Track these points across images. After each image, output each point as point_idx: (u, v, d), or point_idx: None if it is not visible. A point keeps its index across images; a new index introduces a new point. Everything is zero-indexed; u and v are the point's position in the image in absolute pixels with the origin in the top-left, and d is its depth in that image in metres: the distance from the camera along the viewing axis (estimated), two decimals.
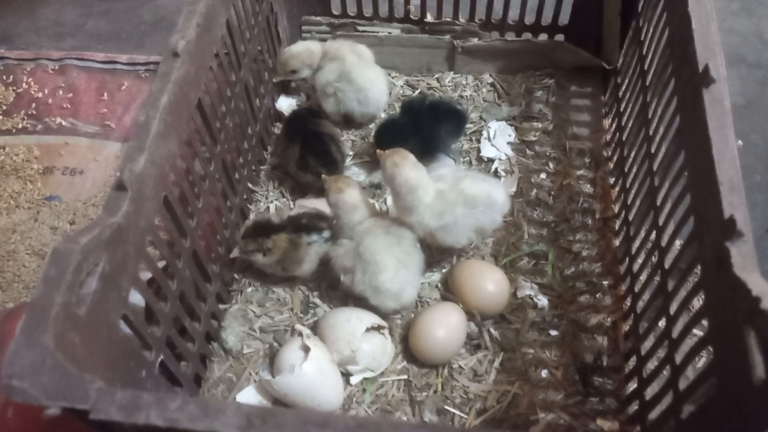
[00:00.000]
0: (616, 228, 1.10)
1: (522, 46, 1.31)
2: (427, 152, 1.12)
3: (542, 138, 1.23)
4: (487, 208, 0.98)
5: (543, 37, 1.32)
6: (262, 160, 1.23)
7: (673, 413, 0.73)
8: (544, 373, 0.96)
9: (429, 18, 1.33)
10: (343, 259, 0.97)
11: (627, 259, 1.02)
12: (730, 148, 0.69)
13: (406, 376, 0.96)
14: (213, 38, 0.93)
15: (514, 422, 0.91)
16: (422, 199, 0.97)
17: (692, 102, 0.77)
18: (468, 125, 1.25)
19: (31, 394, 0.51)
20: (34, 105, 1.40)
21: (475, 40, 1.31)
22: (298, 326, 0.96)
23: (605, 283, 1.04)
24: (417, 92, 1.32)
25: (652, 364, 0.85)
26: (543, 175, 1.18)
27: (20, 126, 1.37)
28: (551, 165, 1.19)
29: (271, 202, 1.18)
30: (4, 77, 1.44)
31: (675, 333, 0.77)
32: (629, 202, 1.03)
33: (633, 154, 1.04)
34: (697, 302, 0.90)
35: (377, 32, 1.35)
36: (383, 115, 1.27)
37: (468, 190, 0.97)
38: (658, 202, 0.88)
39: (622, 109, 1.15)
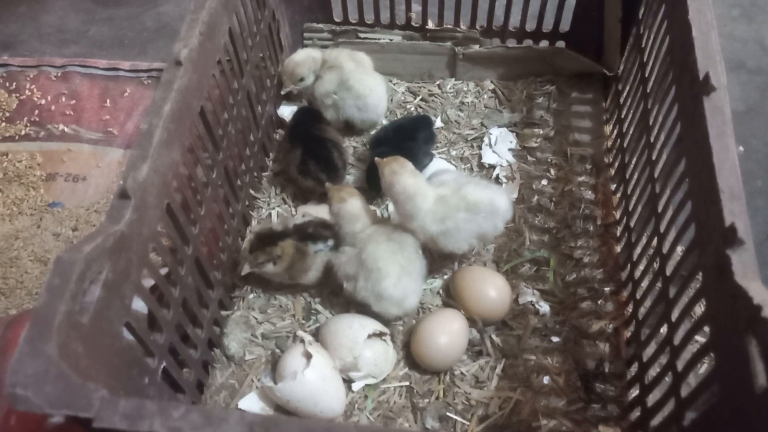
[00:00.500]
0: (618, 234, 1.10)
1: (523, 53, 1.31)
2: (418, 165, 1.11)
3: (543, 144, 1.24)
4: (490, 214, 0.98)
5: (544, 43, 1.33)
6: (264, 167, 1.23)
7: (675, 420, 0.73)
8: (546, 379, 0.96)
9: (430, 25, 1.34)
10: (345, 266, 0.97)
11: (628, 266, 1.02)
12: (731, 157, 0.69)
13: (408, 383, 0.96)
14: (216, 46, 0.93)
15: (516, 429, 0.91)
16: (421, 206, 0.97)
17: (693, 110, 0.77)
18: (469, 131, 1.26)
19: (34, 403, 0.51)
20: (37, 112, 1.41)
21: (476, 47, 1.32)
22: (300, 333, 0.96)
23: (607, 289, 1.04)
24: (418, 99, 1.32)
25: (653, 371, 0.85)
26: (544, 182, 1.18)
27: (23, 132, 1.37)
28: (552, 171, 1.20)
29: (273, 208, 1.18)
30: (7, 84, 1.45)
31: (677, 340, 0.77)
32: (630, 208, 1.03)
33: (634, 160, 1.04)
34: (699, 309, 0.90)
35: (379, 39, 1.35)
36: (384, 121, 1.28)
37: (470, 196, 0.97)
38: (660, 209, 0.89)
39: (623, 116, 1.15)
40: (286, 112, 1.30)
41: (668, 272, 0.83)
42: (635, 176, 1.03)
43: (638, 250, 0.98)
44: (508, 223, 1.08)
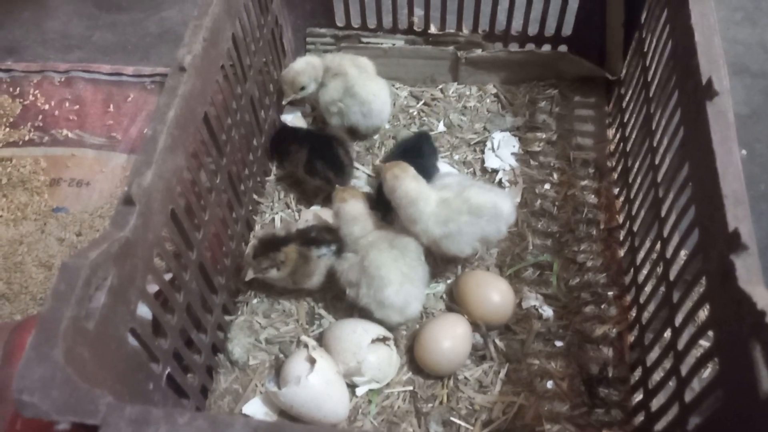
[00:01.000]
0: (621, 238, 1.10)
1: (525, 57, 1.32)
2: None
3: (546, 148, 1.24)
4: (493, 218, 0.98)
5: (546, 48, 1.33)
6: (267, 171, 1.23)
7: (679, 425, 0.73)
8: (549, 384, 0.96)
9: (432, 29, 1.34)
10: (348, 273, 0.97)
11: (632, 270, 1.02)
12: (735, 161, 0.69)
13: (411, 388, 0.96)
14: (219, 52, 0.93)
15: None
16: (423, 209, 0.97)
17: (696, 114, 0.77)
18: (472, 136, 1.26)
19: (41, 409, 0.52)
20: (40, 117, 1.41)
21: (478, 51, 1.32)
22: (304, 337, 0.96)
23: (610, 293, 1.04)
24: (421, 103, 1.32)
25: (657, 376, 0.85)
26: (547, 186, 1.18)
27: (27, 138, 1.37)
28: (555, 175, 1.20)
29: (277, 213, 1.18)
30: (11, 89, 1.45)
31: (680, 345, 0.77)
32: (634, 212, 1.03)
33: (637, 164, 1.04)
34: (702, 314, 0.90)
35: (381, 44, 1.35)
36: (387, 126, 1.28)
37: (473, 200, 0.97)
38: (663, 214, 0.89)
39: (626, 120, 1.15)
40: (289, 116, 1.30)
41: (672, 277, 0.83)
42: (638, 180, 1.03)
43: (641, 254, 0.98)
44: (511, 228, 1.08)
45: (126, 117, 1.40)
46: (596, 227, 1.12)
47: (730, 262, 0.62)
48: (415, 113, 1.31)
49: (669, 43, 0.94)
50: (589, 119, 1.28)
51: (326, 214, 1.09)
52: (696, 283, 0.75)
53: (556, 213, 1.14)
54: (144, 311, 0.75)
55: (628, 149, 1.11)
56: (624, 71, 1.24)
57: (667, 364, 0.81)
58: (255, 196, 1.17)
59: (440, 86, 1.35)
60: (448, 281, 1.07)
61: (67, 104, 1.43)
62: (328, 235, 1.03)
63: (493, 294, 0.99)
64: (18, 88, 1.46)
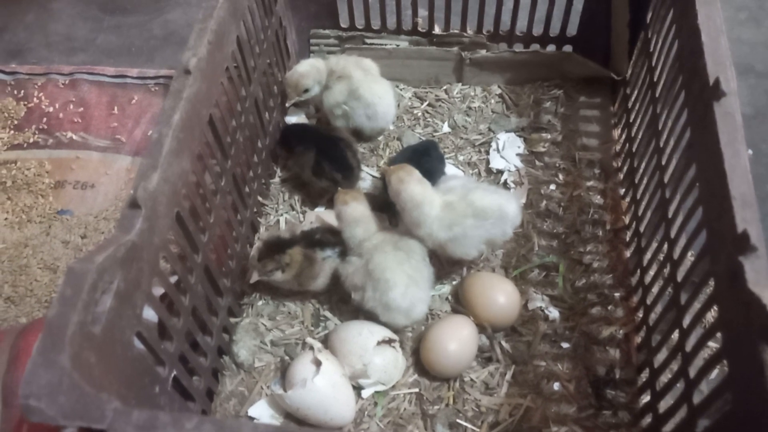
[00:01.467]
0: (627, 239, 1.10)
1: (530, 58, 1.31)
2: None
3: (551, 149, 1.23)
4: (498, 220, 0.98)
5: (551, 48, 1.33)
6: (272, 174, 1.23)
7: (687, 427, 0.73)
8: (556, 385, 0.95)
9: (437, 30, 1.34)
10: (353, 277, 0.97)
11: (638, 271, 1.01)
12: (742, 162, 0.69)
13: (417, 390, 0.96)
14: (224, 54, 0.93)
15: None
16: (428, 213, 0.97)
17: (703, 115, 0.77)
18: (477, 137, 1.26)
19: (48, 414, 0.52)
20: (45, 119, 1.41)
21: (483, 52, 1.32)
22: (309, 340, 0.96)
23: (617, 295, 1.04)
24: (425, 104, 1.32)
25: (665, 378, 0.84)
26: (552, 187, 1.18)
27: (31, 140, 1.38)
28: (561, 176, 1.19)
29: (281, 215, 1.18)
30: (16, 92, 1.46)
31: (688, 346, 0.77)
32: (640, 213, 1.03)
33: (643, 165, 1.04)
34: (710, 315, 0.90)
35: (385, 45, 1.35)
36: (392, 127, 1.28)
37: (478, 202, 0.97)
38: (670, 215, 0.88)
39: (631, 120, 1.15)
40: (293, 118, 1.30)
41: (679, 278, 0.83)
42: (644, 181, 1.02)
43: (648, 255, 0.98)
44: (516, 229, 1.08)
45: (130, 119, 1.40)
46: (602, 228, 1.12)
47: (739, 264, 0.61)
48: (419, 114, 1.31)
49: (675, 44, 0.94)
50: (594, 120, 1.28)
51: (329, 217, 1.09)
52: (704, 285, 0.74)
53: (562, 214, 1.14)
54: (149, 314, 0.75)
55: (634, 150, 1.11)
56: (629, 71, 1.23)
57: (675, 365, 0.80)
58: (260, 198, 1.17)
59: (444, 87, 1.35)
60: (454, 283, 1.07)
61: (71, 106, 1.43)
62: (333, 237, 1.03)
63: (499, 295, 0.99)
64: (22, 91, 1.46)
